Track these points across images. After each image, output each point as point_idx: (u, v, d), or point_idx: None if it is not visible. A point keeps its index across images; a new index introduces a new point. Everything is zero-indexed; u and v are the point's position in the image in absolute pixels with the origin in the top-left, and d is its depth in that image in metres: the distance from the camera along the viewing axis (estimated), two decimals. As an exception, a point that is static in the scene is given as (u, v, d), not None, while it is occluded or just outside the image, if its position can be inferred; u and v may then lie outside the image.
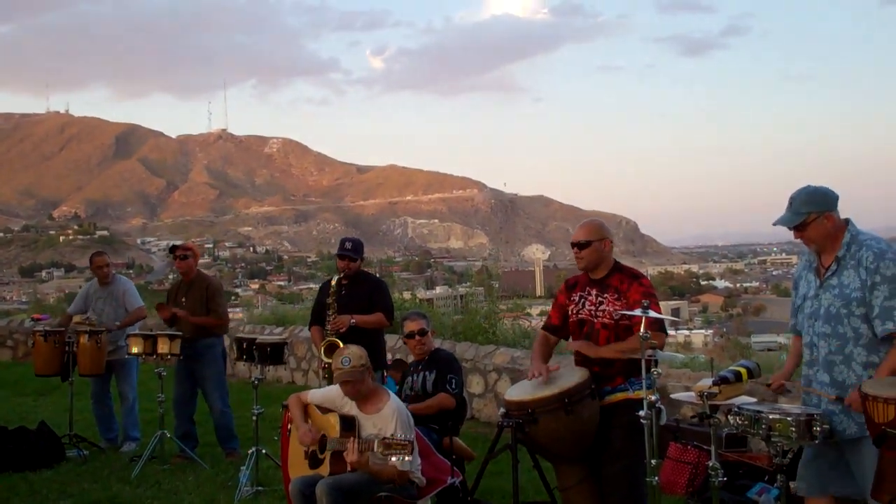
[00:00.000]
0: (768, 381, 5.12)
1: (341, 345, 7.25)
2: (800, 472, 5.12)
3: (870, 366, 4.80)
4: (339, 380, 5.88)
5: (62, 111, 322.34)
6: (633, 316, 5.13)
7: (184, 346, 8.89)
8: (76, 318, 9.34)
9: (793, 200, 4.96)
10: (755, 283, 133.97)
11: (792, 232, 4.99)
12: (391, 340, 12.17)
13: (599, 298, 5.54)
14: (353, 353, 5.87)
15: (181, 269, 9.18)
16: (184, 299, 9.07)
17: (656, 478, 4.89)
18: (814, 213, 4.89)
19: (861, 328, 4.78)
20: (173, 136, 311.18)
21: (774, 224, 5.02)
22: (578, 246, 5.58)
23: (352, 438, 5.67)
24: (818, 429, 4.53)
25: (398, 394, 6.91)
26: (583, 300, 5.63)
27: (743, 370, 4.88)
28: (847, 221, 4.96)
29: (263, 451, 7.88)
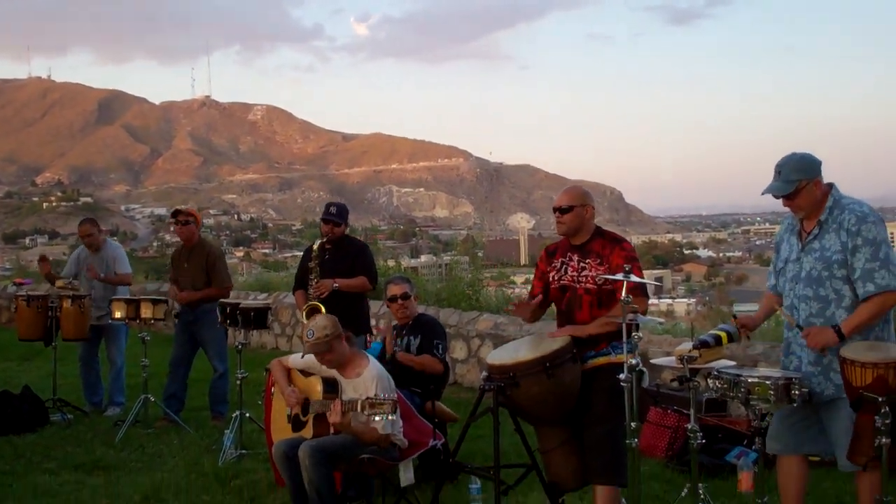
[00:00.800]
0: (734, 315, 5.17)
1: (323, 309, 7.28)
2: (771, 432, 5.18)
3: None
4: (307, 352, 5.89)
5: (44, 76, 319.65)
6: (616, 280, 5.15)
7: (185, 310, 9.00)
8: (59, 283, 9.33)
9: (781, 168, 4.97)
10: (738, 253, 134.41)
11: (780, 200, 5.01)
12: (375, 306, 12.20)
13: (581, 264, 5.53)
14: (316, 325, 5.84)
15: (182, 234, 9.14)
16: (185, 265, 9.08)
17: (636, 440, 4.94)
18: (804, 180, 4.91)
19: (842, 290, 4.83)
20: (157, 102, 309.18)
21: (764, 193, 5.03)
22: (560, 211, 5.57)
23: (335, 400, 5.70)
24: (797, 392, 4.59)
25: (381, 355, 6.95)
26: (564, 266, 5.62)
27: (723, 334, 4.92)
28: (831, 186, 4.99)
29: (247, 414, 7.92)
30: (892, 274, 4.73)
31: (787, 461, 5.23)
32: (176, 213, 9.23)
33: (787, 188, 4.95)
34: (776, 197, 5.00)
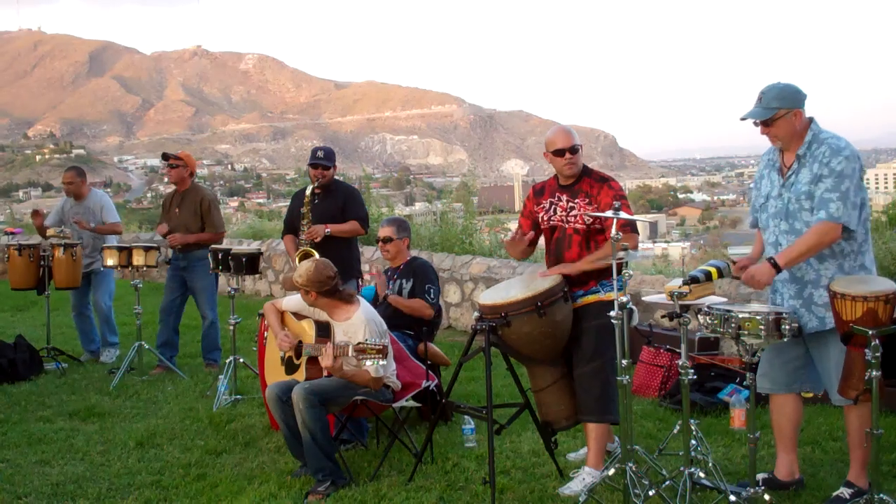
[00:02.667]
0: (734, 260, 5.15)
1: (316, 255, 7.25)
2: (762, 370, 5.20)
3: (825, 259, 4.86)
4: (288, 287, 5.89)
5: (34, 28, 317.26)
6: (605, 218, 5.13)
7: (177, 257, 8.99)
8: (50, 231, 9.29)
9: (763, 95, 4.95)
10: (732, 196, 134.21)
11: (759, 127, 4.99)
12: (368, 251, 12.21)
13: (570, 204, 5.51)
14: (301, 269, 5.85)
15: (172, 177, 9.11)
16: (177, 210, 9.04)
17: (627, 377, 4.95)
18: (783, 108, 4.89)
19: (812, 222, 4.82)
20: (148, 53, 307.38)
21: (742, 118, 5.00)
22: (570, 151, 5.52)
23: (327, 343, 5.70)
24: (787, 327, 4.58)
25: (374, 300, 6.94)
26: (553, 206, 5.60)
27: (713, 269, 4.90)
28: (811, 120, 4.96)
29: (241, 360, 7.94)
30: (847, 208, 4.70)
31: (780, 399, 5.25)
32: (166, 157, 9.20)
33: (766, 114, 4.92)
34: (755, 124, 4.97)
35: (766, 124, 4.95)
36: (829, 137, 4.89)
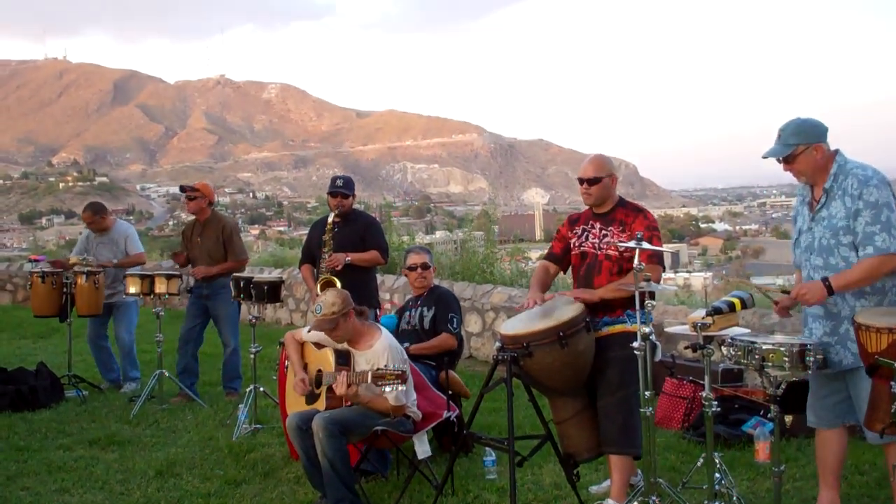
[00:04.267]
0: (776, 298, 5.11)
1: (337, 283, 7.25)
2: (809, 404, 5.14)
3: (862, 296, 4.79)
4: (314, 328, 5.86)
5: (60, 57, 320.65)
6: (634, 248, 5.11)
7: (200, 285, 8.97)
8: (73, 259, 9.33)
9: (781, 132, 4.92)
10: (754, 226, 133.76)
11: (781, 165, 4.96)
12: (389, 280, 12.20)
13: (604, 231, 5.52)
14: (324, 302, 5.80)
15: (191, 209, 9.14)
16: (199, 240, 9.06)
17: (651, 408, 4.90)
18: (802, 144, 4.85)
19: (850, 257, 4.76)
20: (171, 81, 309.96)
21: (764, 156, 4.98)
22: (588, 182, 5.53)
23: (343, 371, 5.68)
24: (811, 359, 4.54)
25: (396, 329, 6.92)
26: (586, 233, 5.61)
27: (736, 301, 4.87)
28: (836, 152, 4.92)
29: (262, 389, 7.92)
30: (893, 238, 4.64)
31: (824, 434, 5.16)
32: (183, 189, 9.24)
33: (785, 151, 4.89)
34: (778, 161, 4.95)
35: (788, 161, 4.92)
36: (855, 167, 4.84)
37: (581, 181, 5.56)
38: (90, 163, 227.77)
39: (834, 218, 4.82)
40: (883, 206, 4.68)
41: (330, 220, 7.88)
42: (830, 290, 4.71)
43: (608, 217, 5.56)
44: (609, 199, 5.59)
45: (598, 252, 5.52)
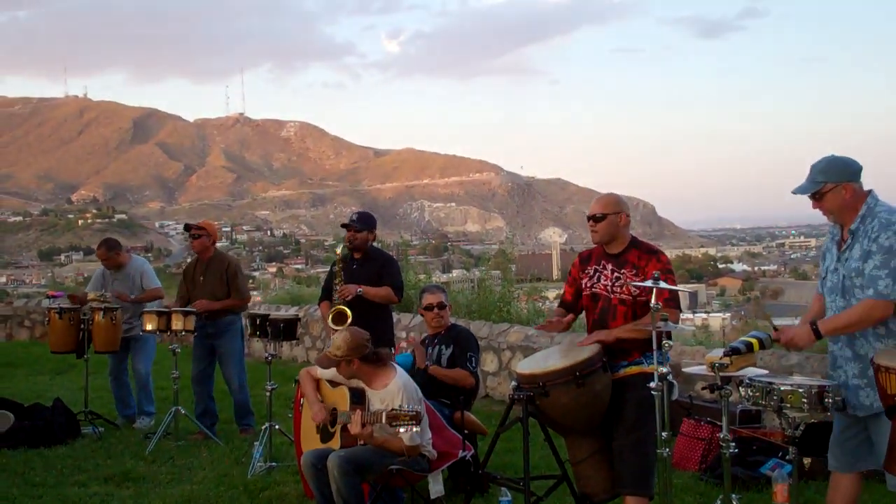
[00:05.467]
0: (776, 327, 5.06)
1: (349, 313, 7.28)
2: (831, 447, 5.08)
3: (882, 337, 4.75)
4: (325, 366, 5.88)
5: (80, 95, 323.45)
6: (650, 289, 5.09)
7: (203, 323, 8.97)
8: (91, 296, 9.37)
9: (812, 169, 4.90)
10: (773, 267, 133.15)
11: (810, 201, 4.93)
12: (406, 318, 12.19)
13: (616, 274, 5.49)
14: (334, 340, 5.83)
15: (196, 248, 9.20)
16: (202, 278, 9.09)
17: (667, 449, 4.87)
18: (830, 182, 4.82)
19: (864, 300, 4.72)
20: (191, 119, 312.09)
21: (793, 192, 4.94)
22: (594, 219, 5.53)
23: (358, 411, 5.67)
24: (830, 401, 4.50)
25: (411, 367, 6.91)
26: (598, 274, 5.58)
27: (754, 340, 4.84)
28: (868, 193, 4.88)
29: (277, 426, 7.90)
30: None
31: (838, 478, 5.09)
32: (188, 227, 9.28)
33: (812, 188, 4.86)
34: (809, 198, 4.92)
35: (816, 198, 4.89)
36: (883, 211, 4.78)
37: (588, 218, 5.57)
38: (109, 200, 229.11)
39: (853, 259, 4.80)
40: None
41: (339, 250, 7.93)
42: (818, 335, 4.68)
43: (621, 259, 5.53)
44: (619, 239, 5.56)
45: (612, 296, 5.49)
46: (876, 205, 4.82)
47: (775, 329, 5.03)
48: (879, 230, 4.69)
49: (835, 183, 4.81)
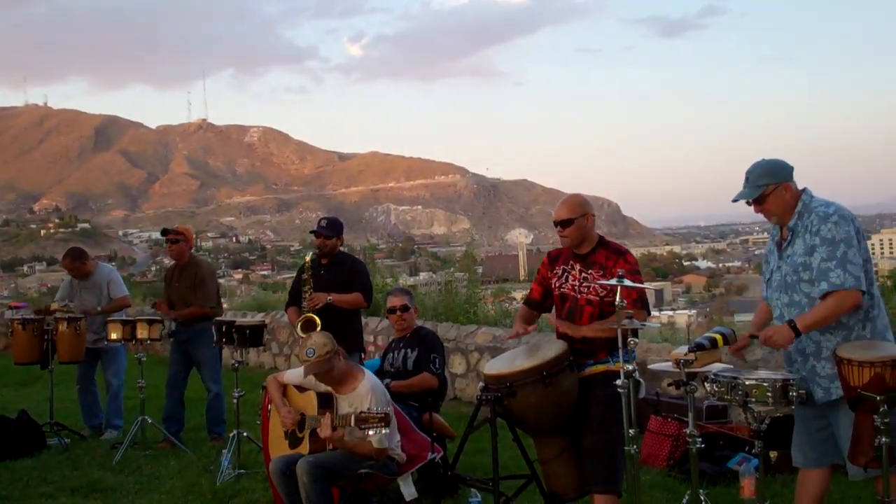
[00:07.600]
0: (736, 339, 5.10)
1: (318, 321, 7.25)
2: (795, 442, 5.12)
3: (826, 331, 4.80)
4: (308, 372, 5.83)
5: (40, 104, 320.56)
6: (615, 289, 5.10)
7: (179, 329, 8.96)
8: (54, 305, 9.29)
9: (749, 174, 4.97)
10: (737, 263, 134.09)
11: (752, 207, 4.99)
12: (374, 322, 12.18)
13: (584, 274, 5.50)
14: (316, 343, 5.79)
15: (172, 253, 9.16)
16: (176, 284, 9.08)
17: (635, 447, 4.90)
18: (771, 184, 4.89)
19: (812, 292, 4.78)
20: (153, 126, 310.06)
21: (734, 200, 5.02)
22: (561, 224, 5.53)
23: (327, 414, 5.66)
24: (794, 394, 4.55)
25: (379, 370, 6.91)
26: (566, 274, 5.59)
27: (718, 336, 4.88)
28: (803, 191, 4.95)
29: (245, 434, 7.87)
30: (849, 273, 4.64)
31: (808, 473, 5.11)
32: (165, 232, 9.23)
33: (755, 192, 4.93)
34: (748, 204, 4.98)
35: (758, 202, 4.96)
36: (819, 205, 4.86)
37: (555, 224, 5.57)
38: (72, 209, 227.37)
39: (795, 255, 4.85)
40: (840, 242, 4.69)
41: (308, 258, 7.91)
42: (797, 332, 4.72)
43: (588, 259, 5.54)
44: (588, 240, 5.58)
45: (579, 296, 5.51)
46: (811, 200, 4.91)
47: (735, 340, 5.06)
48: (819, 223, 4.76)
49: (776, 184, 4.89)
